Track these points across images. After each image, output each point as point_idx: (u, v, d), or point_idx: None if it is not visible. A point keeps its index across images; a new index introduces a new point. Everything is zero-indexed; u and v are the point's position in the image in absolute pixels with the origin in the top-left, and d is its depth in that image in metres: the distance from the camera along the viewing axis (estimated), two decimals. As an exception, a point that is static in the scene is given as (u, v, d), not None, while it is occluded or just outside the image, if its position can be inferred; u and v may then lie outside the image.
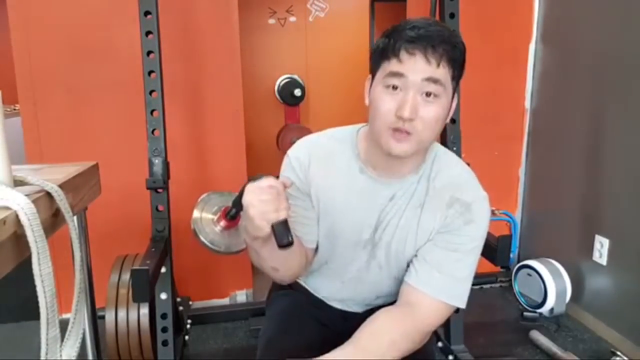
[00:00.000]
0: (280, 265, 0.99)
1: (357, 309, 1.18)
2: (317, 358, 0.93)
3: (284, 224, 0.83)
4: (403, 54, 0.88)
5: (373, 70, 0.96)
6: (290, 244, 0.83)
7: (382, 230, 1.04)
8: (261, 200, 0.82)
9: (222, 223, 0.98)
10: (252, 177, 0.88)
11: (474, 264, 1.02)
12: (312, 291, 1.22)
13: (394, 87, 0.90)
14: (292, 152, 1.08)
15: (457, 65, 0.92)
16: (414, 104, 0.88)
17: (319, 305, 1.20)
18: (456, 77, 0.93)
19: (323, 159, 1.06)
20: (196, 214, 0.97)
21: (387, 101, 0.91)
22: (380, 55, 0.93)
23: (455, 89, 0.96)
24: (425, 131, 0.91)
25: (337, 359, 0.93)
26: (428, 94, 0.90)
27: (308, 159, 1.06)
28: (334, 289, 1.17)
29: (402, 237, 1.03)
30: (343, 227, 1.06)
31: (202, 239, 0.96)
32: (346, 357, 0.93)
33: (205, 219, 0.99)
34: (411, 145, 0.92)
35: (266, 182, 0.84)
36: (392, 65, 0.90)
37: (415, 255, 1.03)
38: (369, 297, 1.16)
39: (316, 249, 1.11)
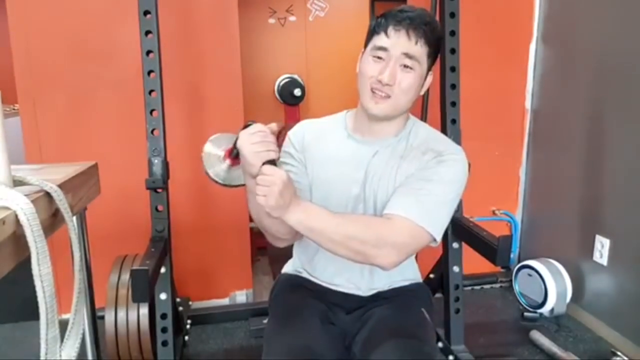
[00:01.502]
0: None
1: (363, 288, 1.23)
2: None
3: (273, 162, 0.98)
4: (390, 30, 1.07)
5: (365, 43, 1.14)
6: None
7: (369, 184, 1.16)
8: (252, 142, 0.98)
9: (228, 161, 1.10)
10: (249, 121, 1.03)
11: (448, 198, 1.10)
12: (315, 280, 1.26)
13: (379, 58, 1.09)
14: (290, 131, 1.27)
15: (433, 46, 1.10)
16: (392, 72, 1.07)
17: (324, 295, 1.23)
18: (431, 55, 1.11)
19: (316, 131, 1.24)
20: (206, 149, 1.09)
21: (372, 67, 1.09)
22: (372, 31, 1.12)
23: (430, 66, 1.13)
24: (400, 95, 1.09)
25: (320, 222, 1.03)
26: (405, 66, 1.08)
27: (303, 133, 1.24)
28: (335, 263, 1.21)
29: (385, 186, 1.14)
30: (335, 187, 1.18)
31: (210, 172, 1.07)
32: (325, 219, 1.03)
33: (214, 154, 1.11)
34: (387, 106, 1.10)
35: (256, 127, 1.00)
36: (380, 39, 1.09)
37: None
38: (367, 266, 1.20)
39: None
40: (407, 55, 1.07)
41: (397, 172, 1.14)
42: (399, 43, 1.06)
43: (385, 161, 1.16)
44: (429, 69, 1.13)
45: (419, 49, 1.07)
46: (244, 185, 1.07)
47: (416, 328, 1.14)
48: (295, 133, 1.25)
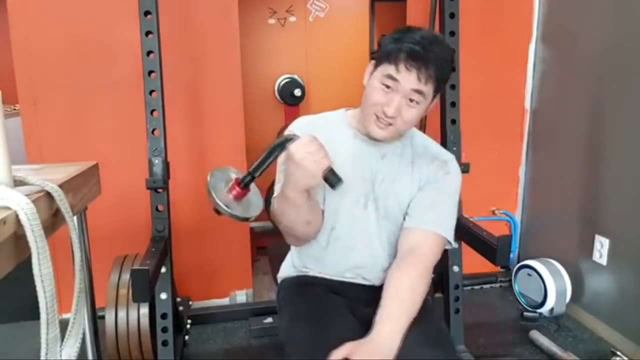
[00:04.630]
0: (313, 218, 1.17)
1: (374, 279, 1.25)
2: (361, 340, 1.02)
3: (332, 168, 1.03)
4: (401, 67, 1.08)
5: (377, 62, 1.14)
6: (342, 181, 1.04)
7: (379, 185, 1.22)
8: (310, 152, 1.02)
9: (234, 192, 1.06)
10: (288, 137, 1.05)
11: (455, 208, 1.25)
12: (325, 275, 1.27)
13: (387, 87, 1.11)
14: (292, 127, 1.25)
15: (442, 81, 1.13)
16: (398, 106, 1.10)
17: (338, 289, 1.25)
18: (438, 89, 1.14)
19: (320, 129, 1.21)
20: (210, 182, 1.01)
21: (379, 95, 1.12)
22: (385, 55, 1.11)
23: (436, 95, 1.16)
24: (403, 125, 1.15)
25: (377, 334, 1.02)
26: (411, 100, 1.11)
27: (306, 128, 1.20)
28: (345, 261, 1.25)
29: (400, 189, 1.22)
30: (347, 183, 1.16)
31: (220, 203, 0.99)
32: (385, 323, 1.04)
33: (219, 189, 1.04)
34: (389, 132, 1.15)
35: (306, 138, 1.04)
36: (391, 70, 1.09)
37: (409, 206, 1.22)
38: (379, 260, 1.24)
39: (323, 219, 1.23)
40: (416, 91, 1.09)
41: (412, 177, 1.22)
42: (409, 81, 1.08)
43: (396, 166, 1.22)
44: (435, 97, 1.16)
45: (428, 87, 1.10)
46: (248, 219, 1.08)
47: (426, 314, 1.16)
48: (300, 128, 1.22)
